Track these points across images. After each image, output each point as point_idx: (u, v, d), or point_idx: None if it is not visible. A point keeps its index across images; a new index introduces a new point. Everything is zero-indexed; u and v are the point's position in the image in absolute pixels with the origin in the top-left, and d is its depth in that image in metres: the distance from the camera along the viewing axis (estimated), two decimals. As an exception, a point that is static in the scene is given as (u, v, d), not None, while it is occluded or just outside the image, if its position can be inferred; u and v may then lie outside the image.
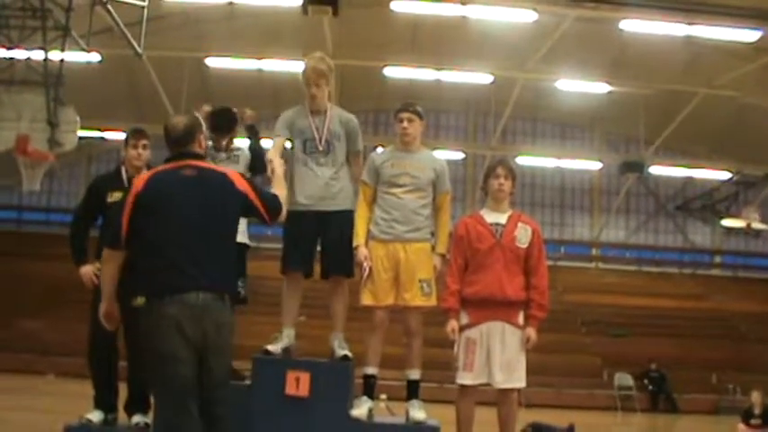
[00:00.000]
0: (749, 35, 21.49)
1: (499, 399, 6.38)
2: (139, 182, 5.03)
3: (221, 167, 5.52)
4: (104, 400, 6.31)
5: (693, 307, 29.84)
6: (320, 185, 6.37)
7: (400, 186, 6.36)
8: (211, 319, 4.86)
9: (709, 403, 23.03)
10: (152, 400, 5.15)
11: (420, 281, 6.29)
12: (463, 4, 22.09)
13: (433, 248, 6.44)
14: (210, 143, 6.93)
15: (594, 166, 33.11)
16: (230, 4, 24.91)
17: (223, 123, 6.95)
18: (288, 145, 6.54)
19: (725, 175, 31.94)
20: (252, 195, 5.19)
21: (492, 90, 27.86)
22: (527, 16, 22.06)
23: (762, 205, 32.19)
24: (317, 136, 6.41)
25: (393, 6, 21.83)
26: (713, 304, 30.39)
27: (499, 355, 6.24)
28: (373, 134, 29.37)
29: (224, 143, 7.04)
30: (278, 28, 25.10)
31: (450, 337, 6.33)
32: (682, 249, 35.74)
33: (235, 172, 5.38)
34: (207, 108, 7.01)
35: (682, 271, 34.97)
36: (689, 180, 33.80)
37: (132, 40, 18.38)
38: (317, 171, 6.39)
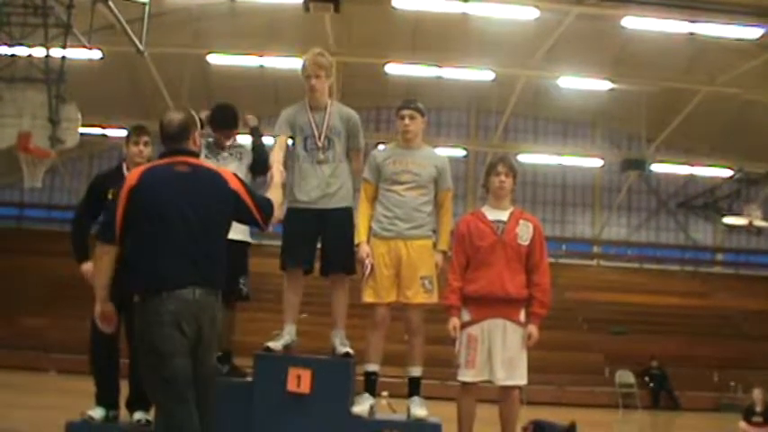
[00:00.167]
0: (752, 32, 21.45)
1: (500, 396, 6.38)
2: (133, 177, 5.02)
3: (213, 165, 5.52)
4: (106, 397, 6.31)
5: (695, 304, 29.83)
6: (320, 182, 6.36)
7: (402, 183, 6.36)
8: (207, 315, 4.90)
9: (710, 401, 23.03)
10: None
11: (421, 278, 6.30)
12: (465, 1, 22.06)
13: (435, 246, 6.45)
14: (212, 140, 6.91)
15: (596, 163, 33.06)
16: (232, 0, 24.93)
17: (225, 120, 6.92)
18: (290, 142, 6.55)
19: (727, 173, 31.90)
20: (244, 195, 5.21)
21: (493, 87, 27.85)
22: (529, 13, 22.03)
23: (764, 203, 32.13)
24: (316, 132, 6.41)
25: (394, 3, 21.79)
26: (715, 302, 30.39)
27: (500, 352, 6.25)
28: (374, 131, 29.38)
29: (226, 141, 6.96)
30: (279, 25, 25.11)
31: (452, 335, 6.34)
32: (683, 247, 35.72)
33: (228, 171, 5.38)
34: (205, 113, 6.97)
35: (683, 269, 34.97)
36: (691, 177, 33.75)
37: (134, 37, 18.36)
38: (316, 168, 6.38)
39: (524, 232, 6.43)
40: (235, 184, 5.20)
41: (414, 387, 6.39)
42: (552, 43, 23.54)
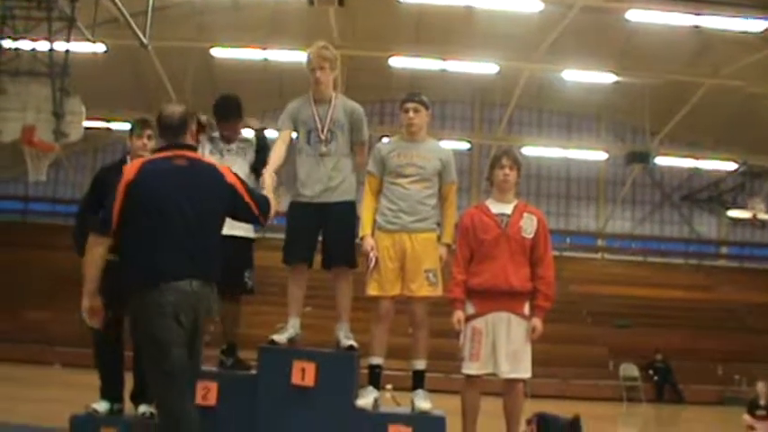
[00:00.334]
0: (756, 25, 21.41)
1: (505, 389, 6.39)
2: (131, 170, 5.07)
3: (212, 161, 5.55)
4: (110, 391, 6.31)
5: (699, 298, 29.80)
6: (322, 176, 6.36)
7: (406, 176, 6.36)
8: (203, 307, 5.01)
9: (714, 394, 23.01)
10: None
11: (426, 271, 6.29)
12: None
13: (439, 239, 6.44)
14: (216, 135, 6.87)
15: (600, 156, 33.06)
16: (236, -6, 24.95)
17: (227, 109, 6.86)
18: (294, 135, 6.54)
19: (731, 166, 31.85)
20: (241, 191, 5.31)
21: (498, 80, 27.82)
22: (533, 6, 22.00)
23: (768, 196, 32.14)
24: (319, 125, 6.40)
25: (398, -4, 21.84)
26: (719, 295, 30.36)
27: (505, 345, 6.25)
28: (379, 124, 29.37)
29: (230, 133, 6.89)
30: (283, 18, 25.09)
31: (456, 328, 6.35)
32: (687, 240, 35.69)
33: (226, 167, 5.45)
34: (205, 117, 6.94)
35: (687, 262, 34.96)
36: (695, 171, 33.71)
37: (138, 31, 18.36)
38: (318, 161, 6.38)
39: (528, 225, 6.43)
40: (232, 180, 5.28)
41: (418, 380, 6.38)
42: (556, 36, 23.51)
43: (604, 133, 34.46)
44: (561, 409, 10.42)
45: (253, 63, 26.25)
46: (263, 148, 6.80)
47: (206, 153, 6.70)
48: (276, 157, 6.38)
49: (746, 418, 14.46)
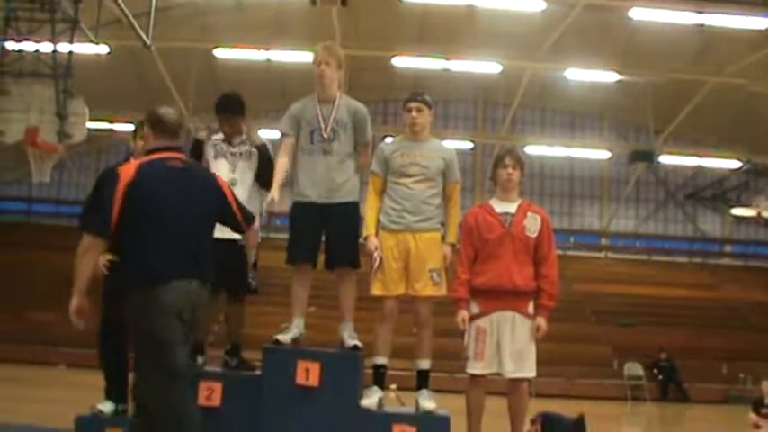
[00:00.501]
0: (759, 23, 21.37)
1: (509, 388, 6.39)
2: (129, 172, 5.08)
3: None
4: (115, 391, 6.32)
5: (703, 296, 29.76)
6: (324, 176, 6.37)
7: (410, 176, 6.36)
8: (202, 305, 5.13)
9: (719, 393, 22.98)
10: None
11: (430, 270, 6.29)
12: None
13: (443, 238, 6.44)
14: (220, 137, 6.84)
15: (604, 155, 33.02)
16: (238, -6, 24.96)
17: (228, 104, 6.82)
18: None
19: (735, 164, 31.81)
20: (230, 197, 5.47)
21: (501, 80, 27.80)
22: (535, 5, 21.99)
23: (772, 194, 32.10)
24: (322, 125, 6.41)
25: (401, -4, 21.85)
26: (723, 294, 30.31)
27: (509, 344, 6.25)
28: (382, 124, 29.36)
29: (232, 132, 6.82)
30: (286, 19, 25.10)
31: (461, 327, 6.34)
32: (691, 239, 35.64)
33: (216, 173, 5.67)
34: (202, 134, 6.92)
35: (692, 260, 34.89)
36: (699, 169, 33.65)
37: (141, 32, 18.36)
38: (321, 161, 6.39)
39: (532, 224, 6.43)
40: (222, 184, 5.45)
41: (422, 380, 6.39)
42: (559, 35, 23.50)
43: (608, 132, 34.42)
44: (566, 409, 10.41)
45: (256, 64, 26.26)
46: (266, 162, 6.76)
47: (210, 158, 6.69)
48: (281, 171, 6.43)
49: (752, 416, 14.43)
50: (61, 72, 16.35)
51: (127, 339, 6.36)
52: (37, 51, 16.88)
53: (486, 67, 26.37)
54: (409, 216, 6.31)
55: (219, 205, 5.39)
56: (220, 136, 6.81)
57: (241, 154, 6.76)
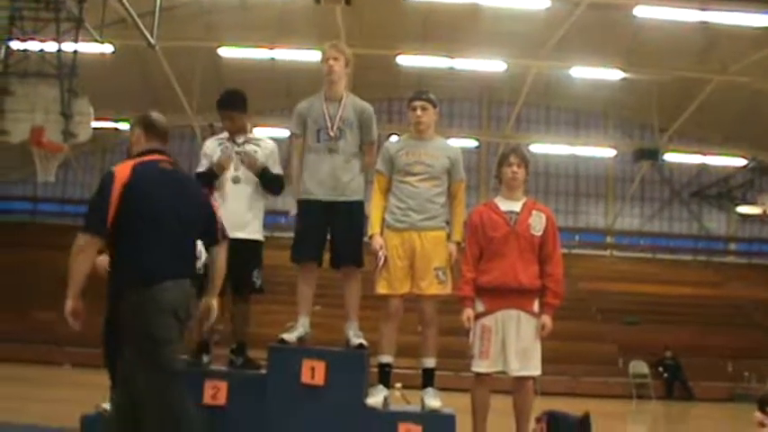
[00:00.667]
0: (764, 20, 21.34)
1: (514, 387, 6.39)
2: (124, 172, 5.13)
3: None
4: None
5: (708, 294, 29.74)
6: (330, 174, 6.38)
7: (415, 175, 6.35)
8: (194, 304, 5.24)
9: (724, 391, 22.97)
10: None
11: (435, 269, 6.29)
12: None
13: (449, 237, 6.43)
14: (225, 137, 6.83)
15: (608, 153, 33.02)
16: (243, -7, 24.96)
17: (229, 99, 6.80)
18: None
19: (740, 162, 31.80)
20: (215, 205, 5.71)
21: (505, 78, 27.81)
22: (540, 3, 21.99)
23: (777, 192, 32.07)
24: (329, 123, 6.41)
25: (405, -6, 21.85)
26: (728, 292, 30.29)
27: (514, 342, 6.25)
28: (387, 122, 29.35)
29: (235, 129, 6.81)
30: (291, 17, 25.10)
31: (466, 326, 6.34)
32: (696, 237, 35.59)
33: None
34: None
35: (696, 258, 34.86)
36: (704, 167, 33.64)
37: (145, 31, 18.37)
38: (327, 159, 6.40)
39: (537, 223, 6.42)
40: (205, 191, 5.73)
41: (428, 378, 6.38)
42: (563, 33, 23.49)
43: (612, 130, 34.38)
44: (571, 407, 10.40)
45: (260, 63, 26.29)
46: (267, 183, 6.75)
47: (215, 158, 6.69)
48: (297, 173, 6.53)
49: (757, 414, 14.40)
50: (66, 71, 16.36)
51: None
52: (42, 51, 16.90)
53: (490, 65, 26.40)
54: (414, 214, 6.30)
55: (206, 209, 5.53)
56: (225, 135, 6.82)
57: (245, 152, 6.74)
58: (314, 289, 6.56)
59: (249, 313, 6.78)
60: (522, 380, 6.35)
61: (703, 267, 33.77)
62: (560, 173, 34.60)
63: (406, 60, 25.87)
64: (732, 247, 36.14)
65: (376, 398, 6.15)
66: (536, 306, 6.37)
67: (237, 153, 6.70)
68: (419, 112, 6.46)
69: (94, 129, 17.04)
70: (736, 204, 33.92)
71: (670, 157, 31.17)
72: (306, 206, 6.45)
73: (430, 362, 6.41)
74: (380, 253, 6.29)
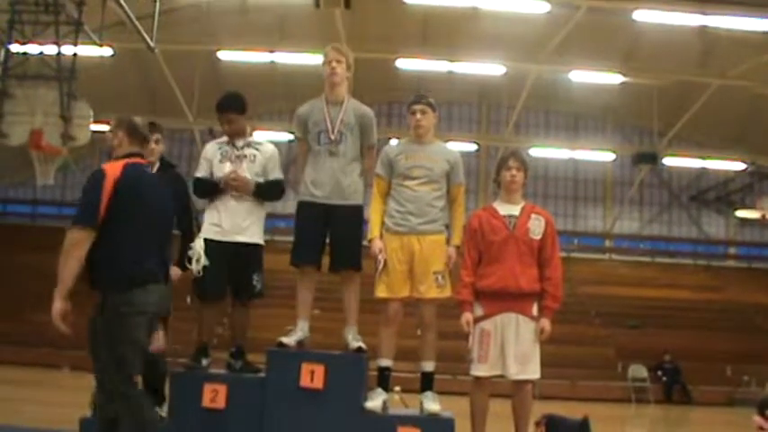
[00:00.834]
0: (763, 25, 21.35)
1: (513, 390, 6.38)
2: (116, 169, 5.19)
3: None
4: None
5: (708, 298, 29.74)
6: (330, 177, 6.38)
7: (414, 179, 6.35)
8: (168, 307, 5.47)
9: (723, 395, 22.93)
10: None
11: (434, 273, 6.29)
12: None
13: (448, 241, 6.43)
14: (225, 140, 6.81)
15: (608, 157, 33.02)
16: (242, -3, 24.98)
17: (227, 100, 6.77)
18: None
19: (739, 166, 31.77)
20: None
21: (504, 81, 27.81)
22: (540, 7, 21.99)
23: (776, 196, 32.07)
24: (330, 126, 6.42)
25: (405, -2, 21.87)
26: (727, 296, 30.27)
27: (513, 346, 6.25)
28: (386, 126, 29.36)
29: (238, 136, 6.74)
30: (290, 21, 25.14)
31: (465, 329, 6.34)
32: (696, 241, 35.59)
33: None
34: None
35: (696, 262, 34.85)
36: (703, 171, 33.65)
37: (144, 34, 18.40)
38: (327, 162, 6.40)
39: (536, 227, 6.42)
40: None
41: (426, 382, 6.38)
42: (563, 37, 23.49)
43: (612, 134, 34.38)
44: (570, 411, 10.41)
45: (260, 66, 26.29)
46: (263, 195, 6.72)
47: (215, 161, 6.66)
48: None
49: (756, 419, 14.40)
50: (65, 74, 16.39)
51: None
52: (41, 54, 16.92)
53: (489, 68, 26.40)
54: (414, 218, 6.31)
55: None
56: (225, 139, 6.79)
57: (245, 156, 6.70)
58: (313, 293, 6.56)
59: (248, 317, 6.77)
60: (521, 383, 6.35)
61: (702, 271, 33.77)
62: (559, 176, 34.60)
63: (405, 64, 25.87)
64: (731, 251, 36.16)
65: (375, 401, 6.15)
66: (535, 310, 6.37)
67: (227, 182, 6.54)
68: (419, 115, 6.46)
69: (93, 132, 17.05)
70: (736, 208, 33.94)
71: (669, 161, 31.17)
72: (305, 209, 6.44)
73: (429, 365, 6.40)
74: (380, 257, 6.29)
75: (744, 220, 34.32)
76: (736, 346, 25.12)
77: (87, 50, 18.40)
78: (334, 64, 6.48)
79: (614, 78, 26.91)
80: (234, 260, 6.41)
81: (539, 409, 7.70)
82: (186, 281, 6.52)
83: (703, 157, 31.44)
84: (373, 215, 6.44)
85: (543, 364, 6.37)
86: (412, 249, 6.28)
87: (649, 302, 28.23)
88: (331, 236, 6.44)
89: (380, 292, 6.31)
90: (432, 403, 6.22)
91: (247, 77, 24.99)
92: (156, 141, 6.66)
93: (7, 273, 25.33)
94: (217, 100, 6.82)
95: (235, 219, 6.47)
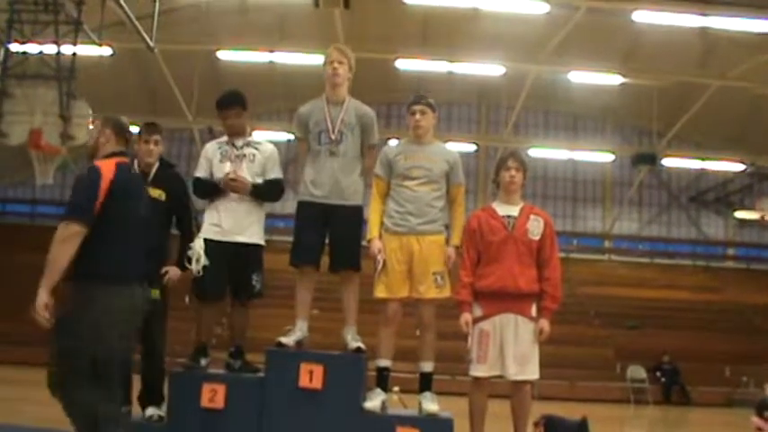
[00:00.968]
0: (763, 25, 21.36)
1: (512, 391, 6.39)
2: (109, 168, 5.20)
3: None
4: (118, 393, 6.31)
5: (706, 299, 29.75)
6: (330, 177, 6.37)
7: (414, 179, 6.35)
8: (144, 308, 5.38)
9: (722, 396, 22.95)
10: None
11: (434, 273, 6.29)
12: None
13: (447, 241, 6.43)
14: (225, 139, 6.80)
15: (607, 158, 33.02)
16: (242, -3, 24.98)
17: (226, 97, 6.76)
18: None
19: (738, 167, 31.76)
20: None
21: (504, 82, 27.80)
22: (539, 8, 21.98)
23: (775, 197, 32.09)
24: (330, 126, 6.42)
25: (404, -2, 21.86)
26: (726, 296, 30.28)
27: (512, 347, 6.25)
28: (385, 126, 29.33)
29: (238, 135, 6.71)
30: (289, 21, 25.14)
31: (464, 330, 6.33)
32: (695, 241, 35.61)
33: None
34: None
35: (695, 263, 34.88)
36: (702, 172, 33.66)
37: (144, 34, 18.40)
38: (327, 162, 6.39)
39: (535, 227, 6.42)
40: None
41: (425, 382, 6.38)
42: (562, 37, 23.48)
43: (611, 135, 34.39)
44: (568, 411, 10.42)
45: (259, 66, 26.28)
46: (261, 196, 6.71)
47: (215, 161, 6.65)
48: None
49: (755, 420, 14.39)
50: (65, 74, 16.38)
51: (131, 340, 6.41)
52: (40, 53, 16.91)
53: (489, 69, 26.38)
54: (413, 219, 6.30)
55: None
56: (225, 138, 6.78)
57: (245, 156, 6.67)
58: (312, 293, 6.55)
59: (248, 317, 6.77)
60: (519, 384, 6.35)
61: (701, 272, 33.80)
62: (559, 177, 34.62)
63: (404, 64, 25.86)
64: (730, 251, 36.20)
65: (374, 402, 6.15)
66: (534, 310, 6.36)
67: (226, 183, 6.52)
68: (418, 116, 6.46)
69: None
70: (735, 209, 33.96)
71: (668, 162, 31.16)
72: (305, 208, 6.44)
73: (428, 366, 6.40)
74: (378, 257, 6.29)
75: (743, 221, 34.33)
76: (734, 346, 25.14)
77: (87, 50, 18.38)
78: (336, 65, 6.48)
79: (614, 79, 26.90)
80: (233, 260, 6.41)
81: (537, 410, 7.71)
82: (185, 281, 6.52)
83: (702, 158, 31.43)
84: (372, 215, 6.44)
85: (542, 365, 6.37)
86: (411, 249, 6.28)
87: (648, 303, 28.24)
88: (330, 236, 6.43)
89: (379, 292, 6.31)
90: (430, 404, 6.22)
91: (247, 77, 24.95)
92: (156, 142, 6.64)
93: (7, 272, 25.31)
94: (217, 98, 6.79)
95: (235, 219, 6.46)
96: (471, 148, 31.88)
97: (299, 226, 6.47)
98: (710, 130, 30.71)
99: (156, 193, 6.49)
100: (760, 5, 20.83)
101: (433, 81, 26.93)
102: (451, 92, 30.22)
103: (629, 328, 26.35)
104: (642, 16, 22.17)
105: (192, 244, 6.36)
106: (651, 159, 29.89)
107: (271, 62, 25.95)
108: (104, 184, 5.06)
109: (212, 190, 6.56)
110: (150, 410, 6.35)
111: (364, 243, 6.47)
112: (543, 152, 31.36)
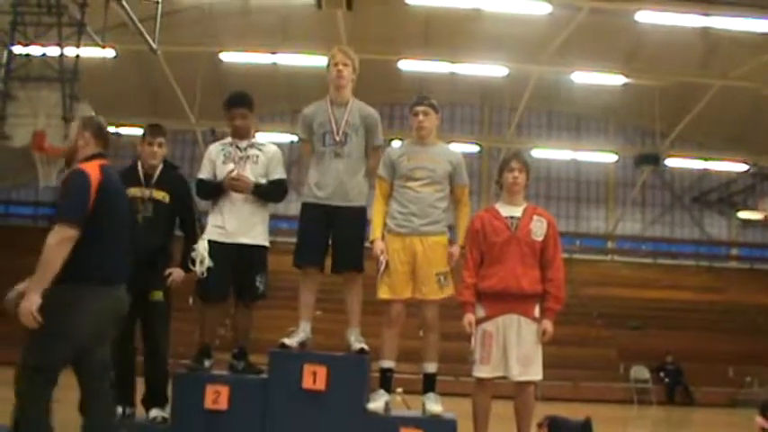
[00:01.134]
0: (765, 26, 21.34)
1: (516, 392, 6.38)
2: (95, 171, 5.19)
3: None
4: (122, 395, 6.32)
5: (710, 299, 29.74)
6: (334, 178, 6.38)
7: (417, 180, 6.36)
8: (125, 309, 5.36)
9: (725, 396, 22.93)
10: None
11: (437, 274, 6.30)
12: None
13: (450, 242, 6.43)
14: (229, 140, 6.81)
15: (610, 158, 33.01)
16: (244, -2, 24.99)
17: (233, 97, 6.77)
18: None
19: (741, 167, 31.74)
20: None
21: (507, 83, 27.78)
22: (542, 8, 21.97)
23: (778, 197, 32.07)
24: (334, 127, 6.42)
25: (407, -1, 21.85)
26: (730, 297, 30.27)
27: (516, 347, 6.24)
28: (388, 128, 29.28)
29: (243, 136, 6.71)
30: (292, 22, 25.15)
31: (467, 331, 6.33)
32: (698, 242, 35.59)
33: None
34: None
35: (698, 263, 34.85)
36: (705, 172, 33.64)
37: (147, 36, 18.42)
38: (332, 163, 6.40)
39: (538, 228, 6.42)
40: None
41: (429, 383, 6.39)
42: (565, 38, 23.47)
43: (614, 135, 34.38)
44: (572, 412, 10.42)
45: (262, 67, 26.26)
46: (264, 196, 6.71)
47: (219, 162, 6.65)
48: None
49: (758, 420, 14.37)
50: (68, 76, 16.40)
51: (134, 343, 6.41)
52: (44, 55, 16.93)
53: (492, 70, 26.36)
54: (416, 219, 6.31)
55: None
56: (228, 140, 6.78)
57: (248, 157, 6.67)
58: (316, 294, 6.57)
59: (251, 318, 6.77)
60: (523, 385, 6.34)
61: (704, 272, 33.77)
62: (561, 178, 34.61)
63: (407, 65, 25.85)
64: (733, 252, 36.16)
65: (377, 403, 6.16)
66: (537, 311, 6.36)
67: (228, 182, 6.52)
68: (421, 117, 6.47)
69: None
70: (738, 210, 33.93)
71: (671, 163, 31.12)
72: (309, 209, 6.45)
73: (431, 367, 6.41)
74: (382, 258, 6.29)
75: (746, 222, 34.31)
76: (738, 347, 25.12)
77: (90, 52, 18.40)
78: (340, 66, 6.49)
79: (616, 79, 26.88)
80: (237, 262, 6.41)
81: (541, 411, 7.70)
82: (189, 282, 6.52)
83: (705, 159, 31.38)
84: (375, 216, 6.45)
85: (545, 366, 6.37)
86: (414, 250, 6.29)
87: (651, 304, 28.23)
88: (333, 237, 6.43)
89: (383, 293, 6.32)
90: (434, 404, 6.23)
91: (249, 79, 24.94)
92: (160, 144, 6.65)
93: (8, 274, 25.26)
94: (225, 98, 6.80)
95: (238, 220, 6.47)
96: (474, 148, 31.85)
97: (302, 227, 6.48)
98: (713, 130, 30.69)
99: (160, 195, 6.50)
100: (762, 6, 20.82)
101: (435, 82, 26.94)
102: (454, 93, 30.20)
103: (632, 328, 26.35)
104: (644, 17, 22.15)
105: (195, 246, 6.37)
106: (654, 160, 29.86)
107: (273, 64, 25.95)
108: (94, 186, 5.09)
109: (216, 191, 6.56)
110: (154, 412, 6.35)
111: (367, 244, 6.47)
112: (546, 153, 31.33)
